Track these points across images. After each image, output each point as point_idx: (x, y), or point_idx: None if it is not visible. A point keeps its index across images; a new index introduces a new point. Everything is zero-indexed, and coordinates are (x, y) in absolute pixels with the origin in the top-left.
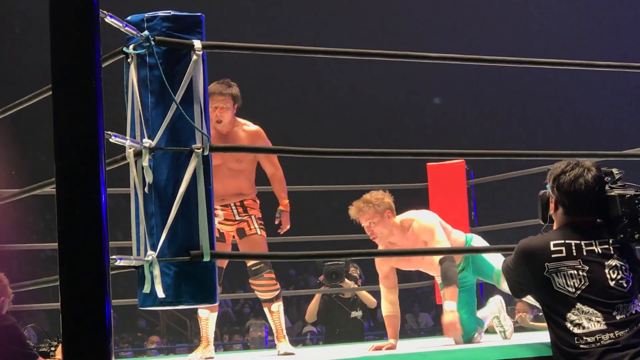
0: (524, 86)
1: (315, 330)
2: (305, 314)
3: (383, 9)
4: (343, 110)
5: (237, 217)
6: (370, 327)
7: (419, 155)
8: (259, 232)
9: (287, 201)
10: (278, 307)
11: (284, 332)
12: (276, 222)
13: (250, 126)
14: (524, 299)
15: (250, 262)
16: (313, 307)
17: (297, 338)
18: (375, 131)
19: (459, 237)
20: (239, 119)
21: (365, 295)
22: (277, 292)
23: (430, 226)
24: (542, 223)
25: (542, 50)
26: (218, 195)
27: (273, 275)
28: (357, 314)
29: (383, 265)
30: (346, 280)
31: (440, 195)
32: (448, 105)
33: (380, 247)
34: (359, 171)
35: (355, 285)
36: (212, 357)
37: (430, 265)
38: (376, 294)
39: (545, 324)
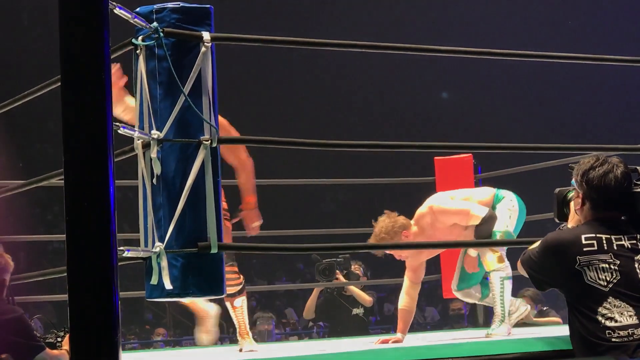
0: (532, 80)
1: (322, 324)
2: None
3: (391, 3)
4: (350, 104)
5: None
6: (377, 321)
7: (425, 148)
8: None
9: (253, 199)
10: (241, 301)
11: (247, 328)
12: (234, 221)
13: None
14: (526, 295)
15: None
16: (310, 304)
17: (304, 331)
18: (382, 125)
19: (487, 194)
20: None
21: (358, 294)
22: (240, 287)
23: (444, 208)
24: (557, 221)
25: (551, 44)
26: None
27: (236, 269)
28: (358, 310)
29: (414, 260)
30: (338, 275)
31: (448, 189)
32: (456, 99)
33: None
34: (366, 165)
35: (344, 279)
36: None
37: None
38: (379, 288)
39: (548, 319)
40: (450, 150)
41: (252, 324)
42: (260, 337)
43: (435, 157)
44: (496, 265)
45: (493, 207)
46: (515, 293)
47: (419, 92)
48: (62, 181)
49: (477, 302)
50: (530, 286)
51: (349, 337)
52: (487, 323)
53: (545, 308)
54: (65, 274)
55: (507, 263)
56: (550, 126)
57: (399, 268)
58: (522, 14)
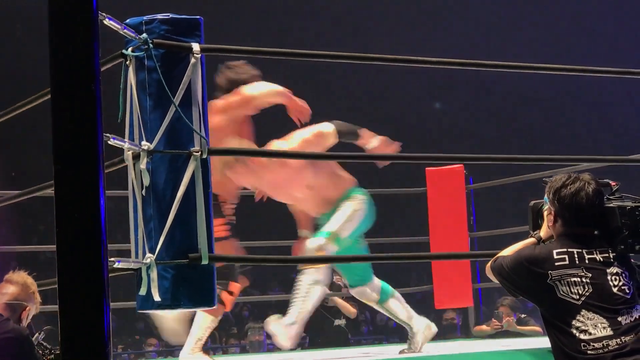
0: (525, 91)
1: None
2: None
3: (383, 13)
4: (342, 115)
5: None
6: (369, 331)
7: (417, 159)
8: None
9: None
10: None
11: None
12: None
13: None
14: (504, 303)
15: None
16: None
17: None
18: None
19: (345, 182)
20: None
21: (343, 305)
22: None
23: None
24: (532, 232)
25: (543, 55)
26: None
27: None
28: (340, 322)
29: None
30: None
31: (439, 200)
32: (449, 109)
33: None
34: (358, 176)
35: (340, 295)
36: None
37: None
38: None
39: (530, 328)
40: (442, 161)
41: (244, 334)
42: (251, 347)
43: (427, 168)
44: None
45: (340, 201)
46: (493, 302)
47: (411, 103)
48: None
49: (374, 305)
50: (508, 295)
51: (331, 349)
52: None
53: (523, 316)
54: (56, 285)
55: (324, 270)
56: (544, 137)
57: (392, 278)
58: (516, 24)
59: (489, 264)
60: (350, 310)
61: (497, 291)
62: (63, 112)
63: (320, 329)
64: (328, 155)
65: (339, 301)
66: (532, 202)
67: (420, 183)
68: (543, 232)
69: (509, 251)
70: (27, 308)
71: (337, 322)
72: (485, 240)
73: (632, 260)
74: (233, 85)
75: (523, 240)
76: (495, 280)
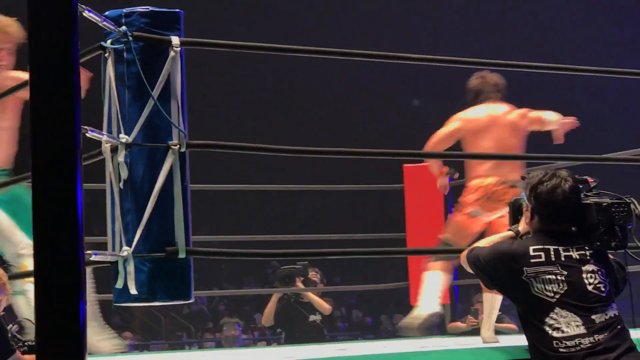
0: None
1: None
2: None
3: (365, 10)
4: (320, 111)
5: None
6: (345, 328)
7: (396, 155)
8: None
9: None
10: None
11: None
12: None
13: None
14: (481, 301)
15: None
16: (269, 310)
17: (272, 337)
18: (352, 132)
19: None
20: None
21: (318, 302)
22: None
23: None
24: (510, 227)
25: (525, 52)
26: None
27: None
28: (315, 317)
29: None
30: (298, 282)
31: (417, 197)
32: (427, 106)
33: None
34: (336, 172)
35: (314, 291)
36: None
37: None
38: (349, 295)
39: (505, 325)
40: (420, 157)
41: (219, 329)
42: (227, 342)
43: (404, 165)
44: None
45: None
46: (469, 299)
47: (389, 99)
48: (29, 184)
49: None
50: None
51: (307, 344)
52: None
53: (499, 313)
54: (31, 278)
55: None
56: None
57: (368, 275)
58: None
59: (464, 253)
60: (324, 306)
61: (473, 288)
62: (41, 103)
63: (295, 324)
64: (307, 150)
65: (313, 297)
66: (513, 199)
67: (398, 179)
68: (521, 226)
69: (485, 242)
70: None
71: (312, 317)
72: None
73: (611, 257)
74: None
75: (501, 233)
76: (470, 270)
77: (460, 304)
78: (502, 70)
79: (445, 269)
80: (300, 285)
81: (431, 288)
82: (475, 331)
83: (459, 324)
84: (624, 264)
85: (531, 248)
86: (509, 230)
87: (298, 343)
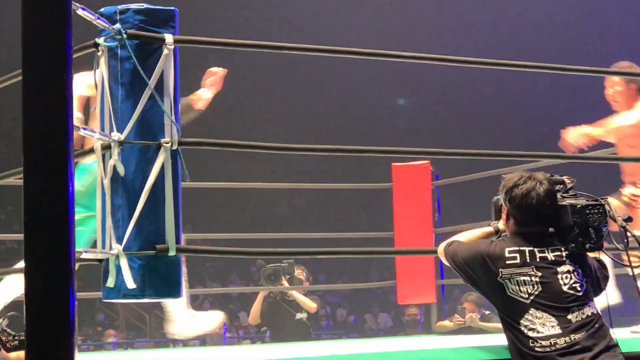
0: (489, 86)
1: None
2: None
3: (355, 8)
4: (307, 109)
5: None
6: (329, 326)
7: (383, 152)
8: None
9: None
10: None
11: None
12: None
13: None
14: (469, 299)
15: None
16: (256, 309)
17: (257, 335)
18: (339, 131)
19: None
20: None
21: (302, 301)
22: None
23: None
24: (491, 222)
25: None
26: None
27: None
28: (302, 315)
29: None
30: (283, 280)
31: (405, 196)
32: (412, 105)
33: None
34: (323, 171)
35: (301, 289)
36: None
37: None
38: (333, 294)
39: (493, 325)
40: (407, 155)
41: None
42: (211, 340)
43: (393, 164)
44: None
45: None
46: (456, 299)
47: (375, 98)
48: (18, 180)
49: None
50: (473, 290)
51: (293, 342)
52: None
53: (487, 312)
54: (21, 274)
55: None
56: (508, 133)
57: (352, 273)
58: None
59: (442, 245)
60: (310, 306)
61: (460, 288)
62: (34, 101)
63: (282, 322)
64: (292, 147)
65: (298, 297)
66: (495, 197)
67: (386, 178)
68: (501, 223)
69: (464, 237)
70: None
71: (298, 315)
72: (449, 236)
73: (592, 255)
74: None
75: (481, 228)
76: (446, 262)
77: (447, 304)
78: (498, 69)
79: None
80: (285, 283)
81: None
82: (462, 330)
83: (445, 322)
84: (605, 263)
85: (507, 250)
86: (489, 225)
87: (284, 341)
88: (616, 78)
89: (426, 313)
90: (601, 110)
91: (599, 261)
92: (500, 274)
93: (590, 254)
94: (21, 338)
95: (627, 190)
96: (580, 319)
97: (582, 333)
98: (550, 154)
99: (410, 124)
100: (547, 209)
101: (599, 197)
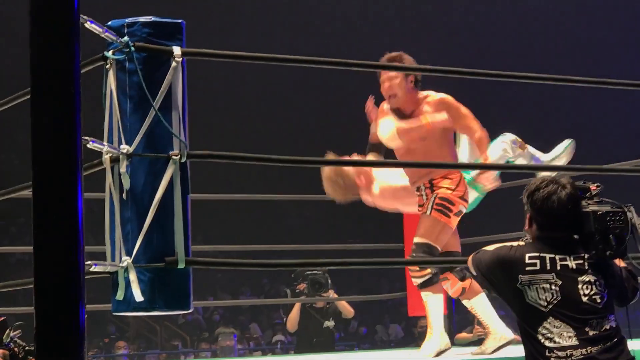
0: (501, 96)
1: (285, 340)
2: (283, 324)
3: (361, 16)
4: (318, 120)
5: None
6: (340, 338)
7: (393, 165)
8: (428, 212)
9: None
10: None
11: (431, 325)
12: None
13: (435, 96)
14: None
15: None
16: (294, 316)
17: (267, 347)
18: (351, 141)
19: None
20: (424, 92)
21: (344, 305)
22: (423, 279)
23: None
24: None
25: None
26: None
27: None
28: (329, 323)
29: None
30: (330, 290)
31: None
32: None
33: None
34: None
35: (335, 295)
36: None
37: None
38: (351, 305)
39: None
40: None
41: (214, 339)
42: (222, 353)
43: None
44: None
45: None
46: (466, 310)
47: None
48: (29, 193)
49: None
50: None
51: (314, 354)
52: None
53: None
54: (31, 286)
55: None
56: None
57: (362, 286)
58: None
59: (471, 256)
60: (349, 310)
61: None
62: (43, 114)
63: (309, 330)
64: (303, 160)
65: (341, 302)
66: None
67: None
68: (530, 236)
69: (493, 247)
70: None
71: (326, 323)
72: (465, 247)
73: (623, 264)
74: None
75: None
76: (474, 273)
77: (457, 314)
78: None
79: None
80: (331, 292)
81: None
82: (482, 340)
83: (465, 334)
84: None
85: (527, 255)
86: (521, 240)
87: (311, 350)
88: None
89: None
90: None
91: (629, 271)
92: (520, 281)
93: (621, 264)
94: (29, 348)
95: None
96: (597, 332)
97: (599, 346)
98: (566, 167)
99: None
100: (569, 213)
101: (624, 205)
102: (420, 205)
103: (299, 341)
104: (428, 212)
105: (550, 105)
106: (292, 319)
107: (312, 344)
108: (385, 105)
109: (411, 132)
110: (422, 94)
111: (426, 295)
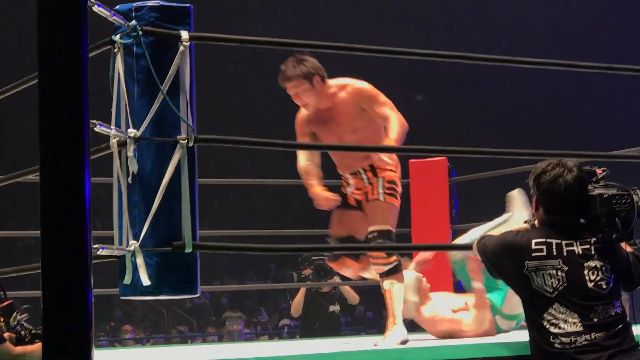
0: (507, 84)
1: (291, 324)
2: (289, 308)
3: (372, 4)
4: None
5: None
6: (347, 322)
7: (400, 151)
8: (381, 198)
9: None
10: (390, 284)
11: (395, 314)
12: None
13: (354, 84)
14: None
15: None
16: (299, 301)
17: (274, 331)
18: None
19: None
20: (333, 81)
21: (348, 291)
22: (389, 266)
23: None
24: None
25: (532, 49)
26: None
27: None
28: (335, 308)
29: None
30: (335, 277)
31: (422, 192)
32: (430, 102)
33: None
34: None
35: (339, 280)
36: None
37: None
38: (357, 290)
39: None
40: (425, 153)
41: (222, 323)
42: (229, 336)
43: (410, 160)
44: None
45: None
46: None
47: (393, 95)
48: (36, 177)
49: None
50: None
51: (320, 338)
52: None
53: None
54: (38, 271)
55: None
56: (526, 131)
57: None
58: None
59: (475, 242)
60: (354, 296)
61: None
62: (50, 98)
63: (314, 314)
64: (319, 145)
65: (345, 287)
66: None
67: (403, 175)
68: (537, 220)
69: (497, 231)
70: None
71: (331, 308)
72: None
73: (630, 249)
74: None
75: (517, 226)
76: (479, 258)
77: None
78: (512, 65)
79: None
80: (337, 278)
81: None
82: None
83: None
84: None
85: (533, 241)
86: (525, 223)
87: (315, 333)
88: (294, 72)
89: None
90: (624, 108)
91: (637, 256)
92: (526, 267)
93: (628, 249)
94: (35, 332)
95: None
96: (602, 317)
97: (603, 332)
98: (570, 153)
99: (428, 121)
100: (575, 196)
101: (629, 188)
102: (358, 189)
103: (303, 325)
104: (381, 198)
105: (557, 93)
106: (296, 304)
107: (316, 328)
108: (302, 112)
109: (336, 133)
110: (337, 83)
111: (391, 284)
